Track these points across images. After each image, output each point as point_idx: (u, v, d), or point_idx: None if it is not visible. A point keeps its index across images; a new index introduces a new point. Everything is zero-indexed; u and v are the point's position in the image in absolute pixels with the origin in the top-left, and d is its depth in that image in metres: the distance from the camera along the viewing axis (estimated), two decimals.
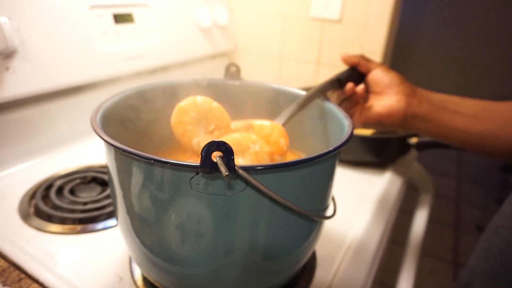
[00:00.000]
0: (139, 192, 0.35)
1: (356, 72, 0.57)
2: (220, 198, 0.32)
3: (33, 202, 0.59)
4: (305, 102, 0.49)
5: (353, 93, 0.55)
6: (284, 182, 0.34)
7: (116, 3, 0.78)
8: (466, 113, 0.52)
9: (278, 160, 0.44)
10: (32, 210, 0.57)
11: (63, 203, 0.57)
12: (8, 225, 0.53)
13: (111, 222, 0.56)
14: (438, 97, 0.53)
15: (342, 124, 0.43)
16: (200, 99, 0.43)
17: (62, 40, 0.68)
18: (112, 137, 0.41)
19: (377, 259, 0.56)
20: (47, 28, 0.66)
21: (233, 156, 0.29)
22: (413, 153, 0.87)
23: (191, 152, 0.44)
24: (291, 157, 0.52)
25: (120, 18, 0.78)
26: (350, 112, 0.57)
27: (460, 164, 2.73)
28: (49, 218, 0.55)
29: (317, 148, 0.52)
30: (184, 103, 0.43)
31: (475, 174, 2.64)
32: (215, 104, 0.44)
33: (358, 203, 0.66)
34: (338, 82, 0.54)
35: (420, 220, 0.81)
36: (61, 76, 0.69)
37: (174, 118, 0.43)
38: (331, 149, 0.35)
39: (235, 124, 0.46)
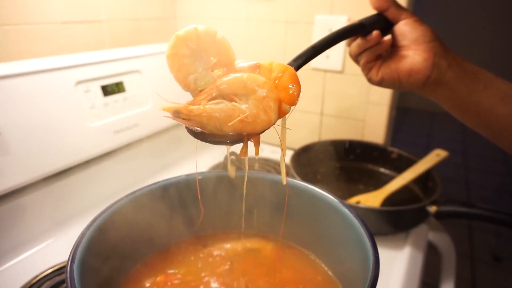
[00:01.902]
0: None
1: (383, 19, 0.49)
2: None
3: None
4: (323, 47, 0.43)
5: (377, 43, 0.49)
6: None
7: (105, 74, 0.73)
8: (496, 92, 0.46)
9: (287, 109, 0.37)
10: None
11: None
12: None
13: None
14: (471, 67, 0.47)
15: (366, 249, 0.37)
16: (202, 28, 0.36)
17: (47, 123, 0.63)
18: (95, 269, 0.35)
19: None
20: (29, 113, 0.60)
21: None
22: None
23: (186, 88, 0.37)
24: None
25: (109, 89, 0.73)
26: (368, 66, 0.51)
27: (470, 189, 2.66)
28: None
29: (336, 256, 0.46)
30: (182, 31, 0.36)
31: (486, 198, 2.56)
32: (220, 37, 0.36)
33: None
34: (361, 28, 0.47)
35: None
36: (47, 162, 0.63)
37: (169, 49, 0.36)
38: None
39: (240, 63, 0.38)
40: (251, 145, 0.38)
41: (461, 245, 2.09)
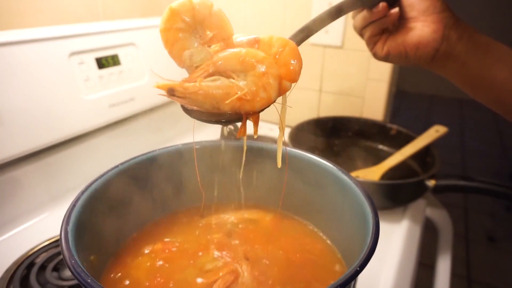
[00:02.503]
0: None
1: None
2: None
3: None
4: (325, 20, 0.41)
5: (384, 16, 0.46)
6: None
7: (99, 45, 0.71)
8: (509, 65, 0.43)
9: (288, 86, 0.35)
10: None
11: None
12: None
13: None
14: (483, 39, 0.45)
15: (364, 211, 0.36)
16: (198, 0, 0.34)
17: (41, 95, 0.61)
18: (91, 234, 0.35)
19: None
20: (23, 84, 0.59)
21: None
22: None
23: (181, 65, 0.35)
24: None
25: (104, 62, 0.72)
26: (373, 40, 0.49)
27: (467, 171, 2.67)
28: None
29: (334, 225, 0.46)
30: (177, 3, 0.34)
31: None
32: (216, 9, 0.34)
33: (378, 262, 0.60)
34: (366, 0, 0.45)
35: (443, 267, 0.74)
36: (41, 134, 0.62)
37: (163, 23, 0.34)
38: (357, 268, 0.28)
39: (238, 37, 0.36)
40: (249, 124, 0.36)
41: (456, 226, 2.10)
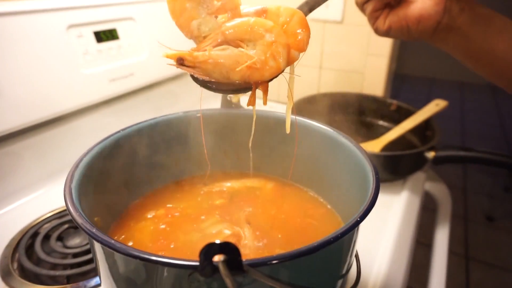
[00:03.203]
0: (126, 279, 0.29)
1: None
2: None
3: (16, 256, 0.53)
4: None
5: None
6: (303, 265, 0.28)
7: (97, 19, 0.70)
8: (511, 36, 0.43)
9: (296, 56, 0.36)
10: (15, 266, 0.51)
11: (49, 257, 0.51)
12: None
13: None
14: (485, 11, 0.45)
15: (364, 170, 0.37)
16: None
17: (39, 68, 0.61)
18: (94, 197, 0.35)
19: None
20: (20, 56, 0.59)
21: (240, 256, 0.23)
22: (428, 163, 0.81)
23: (189, 35, 0.36)
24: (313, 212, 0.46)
25: (102, 36, 0.71)
26: (375, 15, 0.49)
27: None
28: (34, 276, 0.49)
29: (335, 189, 0.46)
30: None
31: None
32: None
33: (377, 232, 0.60)
34: None
35: (441, 237, 0.75)
36: (41, 107, 0.62)
37: None
38: (357, 219, 0.29)
39: (246, 8, 0.36)
40: (258, 93, 0.36)
41: (455, 207, 2.13)
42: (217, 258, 0.23)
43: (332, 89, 0.98)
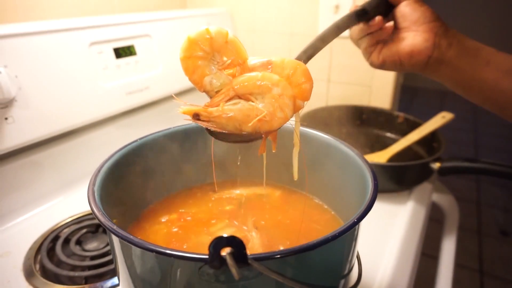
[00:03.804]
0: (143, 274, 0.32)
1: (384, 2, 0.50)
2: (232, 287, 0.29)
3: (39, 257, 0.56)
4: (328, 37, 0.44)
5: (379, 29, 0.49)
6: (304, 262, 0.30)
7: (116, 36, 0.75)
8: (499, 67, 0.46)
9: (301, 104, 0.38)
10: (37, 267, 0.54)
11: (69, 259, 0.55)
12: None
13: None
14: (472, 44, 0.47)
15: (364, 177, 0.39)
16: (214, 29, 0.36)
17: (63, 81, 0.66)
18: (113, 200, 0.38)
19: None
20: (46, 71, 0.63)
21: (245, 249, 0.26)
22: (435, 174, 0.83)
23: (202, 90, 0.38)
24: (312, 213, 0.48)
25: (121, 52, 0.76)
26: (369, 50, 0.51)
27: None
28: (55, 277, 0.52)
29: (335, 194, 0.49)
30: (195, 34, 0.36)
31: None
32: (231, 37, 0.37)
33: (382, 241, 0.62)
34: (364, 15, 0.48)
35: (448, 247, 0.76)
36: (63, 118, 0.66)
37: (183, 52, 0.37)
38: (355, 220, 0.31)
39: (252, 60, 0.39)
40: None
41: (469, 221, 2.10)
42: (225, 250, 0.25)
43: (340, 102, 1.00)
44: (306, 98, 0.38)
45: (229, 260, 0.25)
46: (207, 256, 0.26)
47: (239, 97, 0.37)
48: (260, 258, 0.27)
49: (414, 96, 3.91)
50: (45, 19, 0.74)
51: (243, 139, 0.38)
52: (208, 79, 0.37)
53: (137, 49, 0.79)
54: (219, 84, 0.37)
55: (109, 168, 0.40)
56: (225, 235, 0.25)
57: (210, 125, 0.37)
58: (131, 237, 0.29)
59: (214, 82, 0.37)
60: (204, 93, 0.39)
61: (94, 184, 0.36)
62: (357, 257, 0.42)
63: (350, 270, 0.38)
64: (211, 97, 0.38)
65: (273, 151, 0.40)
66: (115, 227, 0.30)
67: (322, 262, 0.31)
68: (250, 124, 0.36)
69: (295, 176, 0.44)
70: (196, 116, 0.36)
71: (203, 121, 0.36)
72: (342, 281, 0.36)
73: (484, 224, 2.09)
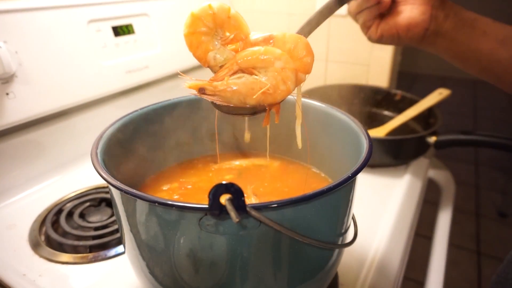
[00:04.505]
0: (146, 230, 0.33)
1: None
2: (232, 237, 0.30)
3: (43, 229, 0.57)
4: (328, 11, 0.44)
5: (377, 3, 0.49)
6: (301, 215, 0.31)
7: (115, 15, 0.75)
8: (495, 37, 0.47)
9: (303, 78, 0.39)
10: (42, 238, 0.56)
11: (73, 230, 0.56)
12: (19, 257, 0.52)
13: (122, 248, 0.54)
14: (468, 15, 0.48)
15: (360, 141, 0.40)
16: (217, 5, 0.37)
17: (62, 59, 0.66)
18: (115, 167, 0.39)
19: (401, 273, 0.54)
20: (45, 47, 0.64)
21: (243, 197, 0.27)
22: (432, 150, 0.84)
23: (206, 65, 0.39)
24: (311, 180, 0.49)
25: (119, 30, 0.76)
26: (367, 24, 0.52)
27: (478, 148, 2.66)
28: (60, 247, 0.54)
29: (333, 162, 0.50)
30: (198, 9, 0.37)
31: (493, 158, 2.57)
32: (234, 12, 0.38)
33: (378, 211, 0.63)
34: None
35: (444, 220, 0.78)
36: (64, 95, 0.67)
37: (186, 28, 0.37)
38: (349, 174, 0.32)
39: (254, 35, 0.39)
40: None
41: (467, 203, 2.12)
42: (224, 197, 0.26)
43: (338, 81, 1.01)
44: (308, 71, 0.39)
45: (228, 205, 0.26)
46: (206, 206, 0.27)
47: (243, 71, 0.38)
48: (258, 207, 0.28)
49: (413, 82, 3.90)
50: None
51: (247, 112, 0.39)
52: (212, 54, 0.38)
53: (135, 28, 0.79)
54: (222, 59, 0.38)
55: (112, 134, 0.41)
56: (224, 182, 0.26)
57: (216, 98, 0.38)
58: (134, 191, 0.30)
59: (218, 57, 0.38)
60: (201, 72, 0.39)
61: (97, 147, 0.37)
62: (353, 219, 0.43)
63: (346, 229, 0.39)
64: (215, 72, 0.39)
65: (276, 123, 0.41)
66: (118, 183, 0.31)
67: (318, 215, 0.32)
68: (254, 97, 0.37)
69: (299, 144, 0.45)
70: (201, 90, 0.37)
71: (209, 95, 0.37)
72: (339, 239, 0.37)
73: (482, 206, 2.11)
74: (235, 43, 0.38)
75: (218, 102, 0.38)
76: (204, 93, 0.37)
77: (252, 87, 0.37)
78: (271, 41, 0.38)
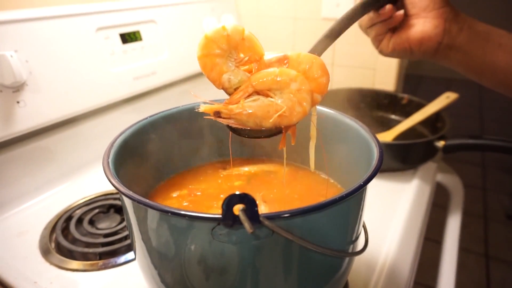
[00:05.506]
0: (157, 238, 0.33)
1: None
2: (244, 247, 0.30)
3: (54, 236, 0.58)
4: (341, 29, 0.43)
5: (389, 17, 0.48)
6: (313, 224, 0.31)
7: (122, 22, 0.76)
8: (510, 49, 0.45)
9: (318, 98, 0.38)
10: (53, 245, 0.56)
11: (83, 237, 0.56)
12: (30, 264, 0.52)
13: (132, 254, 0.54)
14: (483, 27, 0.47)
15: (369, 147, 0.40)
16: (231, 27, 0.36)
17: (71, 66, 0.67)
18: (126, 175, 0.39)
19: (412, 278, 0.53)
20: (55, 56, 0.64)
21: (257, 207, 0.27)
22: (440, 154, 0.83)
23: (220, 87, 0.38)
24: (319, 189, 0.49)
25: (127, 38, 0.77)
26: (379, 38, 0.51)
27: (487, 156, 2.64)
28: (70, 254, 0.54)
29: (342, 168, 0.49)
30: (211, 32, 0.36)
31: (501, 160, 2.55)
32: (248, 33, 0.37)
33: (387, 216, 0.63)
34: (375, 2, 0.47)
35: (453, 225, 0.77)
36: (73, 103, 0.68)
37: (200, 50, 0.37)
38: (361, 183, 0.32)
39: (268, 55, 0.39)
40: None
41: (475, 206, 2.11)
42: (237, 207, 0.26)
43: (345, 85, 1.01)
44: (323, 91, 0.38)
45: (242, 216, 0.26)
46: (220, 216, 0.27)
47: (258, 93, 0.37)
48: (271, 217, 0.28)
49: (419, 84, 3.89)
50: (51, 5, 0.75)
51: (263, 135, 0.39)
52: (226, 77, 0.37)
53: (142, 34, 0.80)
54: (237, 81, 0.38)
55: (123, 142, 0.41)
56: (237, 192, 0.26)
57: (231, 122, 0.37)
58: (146, 200, 0.30)
59: (232, 79, 0.37)
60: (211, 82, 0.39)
61: (108, 156, 0.37)
62: (363, 226, 0.43)
63: (357, 237, 0.39)
64: (229, 94, 0.38)
65: (292, 144, 0.40)
66: (131, 192, 0.31)
67: (330, 223, 0.32)
68: (270, 120, 0.37)
69: (312, 167, 0.44)
70: (217, 114, 0.37)
71: (224, 118, 0.37)
72: (350, 247, 0.37)
73: (490, 209, 2.09)
74: (249, 64, 0.38)
75: (233, 126, 0.38)
76: (220, 117, 0.37)
77: (268, 110, 0.37)
78: (285, 61, 0.38)
